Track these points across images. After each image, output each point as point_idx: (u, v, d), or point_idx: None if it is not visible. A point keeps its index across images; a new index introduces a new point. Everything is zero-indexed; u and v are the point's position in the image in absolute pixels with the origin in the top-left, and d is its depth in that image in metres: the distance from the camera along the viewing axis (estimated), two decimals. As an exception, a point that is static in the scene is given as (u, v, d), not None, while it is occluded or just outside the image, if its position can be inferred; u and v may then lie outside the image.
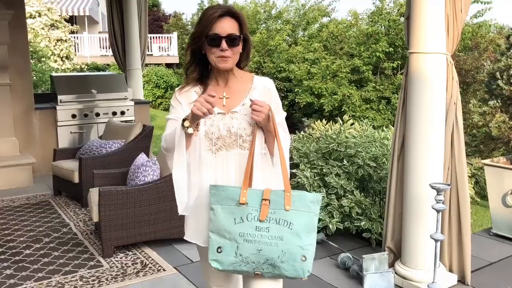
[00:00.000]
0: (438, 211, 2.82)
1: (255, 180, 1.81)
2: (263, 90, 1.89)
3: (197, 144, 1.82)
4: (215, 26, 1.76)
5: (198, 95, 1.84)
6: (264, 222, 1.71)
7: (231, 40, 1.77)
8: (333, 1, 16.61)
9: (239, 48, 1.81)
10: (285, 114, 1.96)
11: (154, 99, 17.05)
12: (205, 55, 1.83)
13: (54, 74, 7.13)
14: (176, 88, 1.92)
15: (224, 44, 1.76)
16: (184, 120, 1.71)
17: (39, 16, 15.00)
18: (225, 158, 1.83)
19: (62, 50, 15.17)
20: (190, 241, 1.96)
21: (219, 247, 1.73)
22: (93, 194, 3.87)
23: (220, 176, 1.82)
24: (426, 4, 2.90)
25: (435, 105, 3.01)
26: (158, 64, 19.11)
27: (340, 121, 4.94)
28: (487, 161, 4.19)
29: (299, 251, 1.71)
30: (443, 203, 2.83)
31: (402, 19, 13.45)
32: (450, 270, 3.29)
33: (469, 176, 3.78)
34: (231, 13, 1.78)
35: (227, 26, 1.76)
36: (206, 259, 1.83)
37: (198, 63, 1.86)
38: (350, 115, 12.62)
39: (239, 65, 1.89)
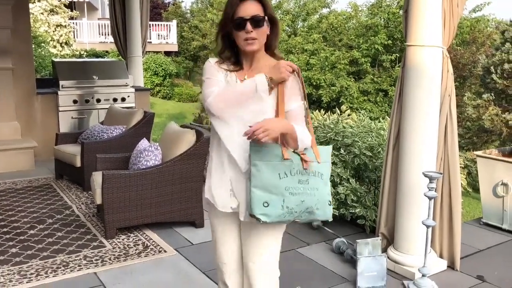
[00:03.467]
0: (430, 198, 2.95)
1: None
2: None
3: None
4: (239, 10, 1.84)
5: (225, 78, 1.93)
6: (304, 175, 1.84)
7: (256, 22, 1.84)
8: (333, -8, 16.64)
9: (264, 29, 1.88)
10: (301, 102, 1.91)
11: (152, 86, 17.09)
12: (234, 41, 1.90)
13: (55, 59, 7.18)
14: (211, 59, 1.97)
15: (249, 26, 1.83)
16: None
17: (39, 1, 14.98)
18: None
19: (61, 35, 15.18)
20: (208, 199, 2.02)
21: (265, 202, 1.80)
22: (97, 177, 3.97)
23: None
24: (424, -1, 3.00)
25: (431, 97, 3.12)
26: (157, 52, 19.12)
27: (338, 111, 5.04)
28: (479, 152, 4.31)
29: (327, 197, 1.89)
30: (435, 191, 2.95)
31: (401, 12, 13.52)
32: (441, 256, 3.43)
33: (461, 167, 3.90)
34: None
35: (250, 8, 1.84)
36: (217, 229, 2.06)
37: (230, 49, 1.94)
38: (348, 107, 12.77)
39: (270, 48, 1.94)
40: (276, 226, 1.98)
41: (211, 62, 1.96)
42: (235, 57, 1.96)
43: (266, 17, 1.87)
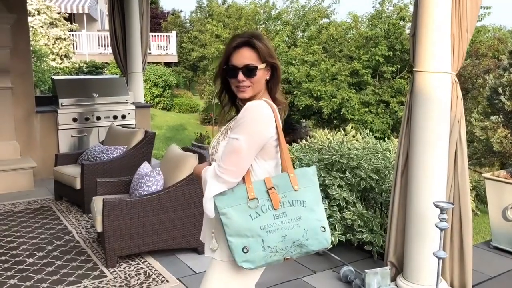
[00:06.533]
0: (441, 229, 2.85)
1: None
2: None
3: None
4: (233, 57, 1.83)
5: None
6: (279, 209, 1.75)
7: (248, 71, 1.81)
8: (332, 3, 16.62)
9: (258, 78, 1.83)
10: (241, 138, 1.75)
11: (152, 98, 17.05)
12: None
13: (55, 77, 7.10)
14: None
15: (240, 75, 1.81)
16: None
17: (38, 14, 14.96)
18: None
19: (61, 48, 15.13)
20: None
21: (244, 248, 1.73)
22: (97, 203, 3.88)
23: None
24: (432, 24, 2.92)
25: (440, 123, 3.04)
26: (157, 63, 19.08)
27: (342, 132, 4.96)
28: (487, 174, 4.22)
29: (317, 224, 1.78)
30: (446, 221, 2.86)
31: (402, 22, 13.49)
32: (451, 285, 3.33)
33: (470, 189, 3.82)
34: (248, 43, 1.82)
35: (244, 57, 1.81)
36: None
37: (228, 91, 1.94)
38: (350, 118, 12.68)
39: (271, 93, 1.91)
40: (225, 272, 1.87)
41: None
42: (232, 98, 1.95)
43: (263, 65, 1.83)
